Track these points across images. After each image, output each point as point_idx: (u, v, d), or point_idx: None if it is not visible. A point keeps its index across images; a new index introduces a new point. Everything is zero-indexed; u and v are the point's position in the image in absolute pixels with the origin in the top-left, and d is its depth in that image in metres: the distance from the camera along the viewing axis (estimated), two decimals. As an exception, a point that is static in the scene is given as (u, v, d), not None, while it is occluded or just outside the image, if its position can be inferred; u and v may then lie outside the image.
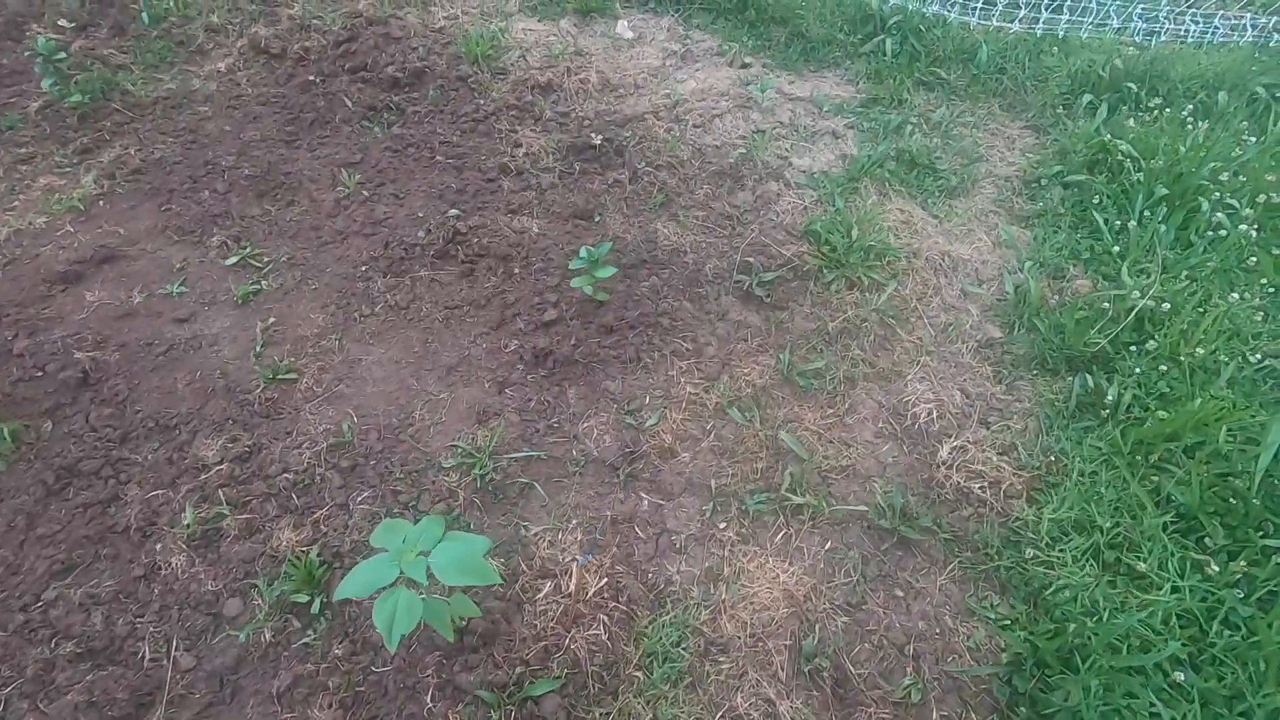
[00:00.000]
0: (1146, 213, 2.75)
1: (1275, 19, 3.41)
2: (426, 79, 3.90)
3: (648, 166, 3.35)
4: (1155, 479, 2.01)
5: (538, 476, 2.25)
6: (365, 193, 3.22)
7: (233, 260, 2.92)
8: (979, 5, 4.00)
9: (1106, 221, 2.81)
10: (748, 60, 3.99)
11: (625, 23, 4.31)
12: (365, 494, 2.18)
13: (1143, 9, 3.78)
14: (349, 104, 3.73)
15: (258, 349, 2.60)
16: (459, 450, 2.30)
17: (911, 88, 3.72)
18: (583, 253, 2.56)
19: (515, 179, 3.35)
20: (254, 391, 2.45)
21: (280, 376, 2.50)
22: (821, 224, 2.94)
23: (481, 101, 3.73)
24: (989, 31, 3.88)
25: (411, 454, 2.30)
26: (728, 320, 2.72)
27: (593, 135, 3.44)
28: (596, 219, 3.12)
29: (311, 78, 3.92)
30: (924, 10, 3.94)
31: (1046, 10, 3.86)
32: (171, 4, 4.33)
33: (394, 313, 2.76)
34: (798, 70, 3.94)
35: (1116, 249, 2.66)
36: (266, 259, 2.95)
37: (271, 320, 2.70)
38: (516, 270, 2.90)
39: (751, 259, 2.88)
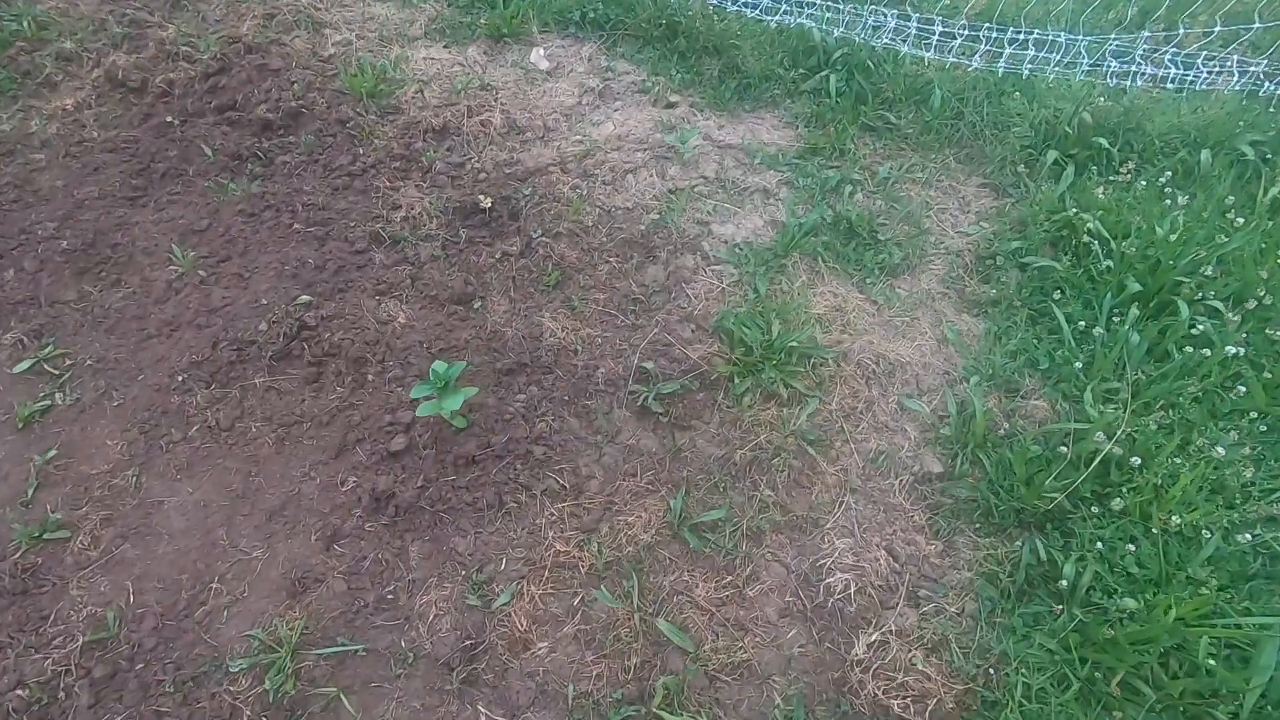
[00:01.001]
0: (1116, 315, 2.30)
1: (1266, 63, 2.96)
2: (303, 121, 3.36)
3: (545, 236, 2.84)
4: (1118, 714, 1.57)
5: (351, 683, 1.77)
6: (203, 271, 2.69)
7: (24, 366, 2.39)
8: (935, 36, 3.51)
9: (1070, 319, 2.35)
10: (674, 99, 3.48)
11: (541, 51, 3.78)
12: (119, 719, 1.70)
13: (1117, 45, 3.31)
14: (208, 152, 3.19)
15: (28, 494, 2.09)
16: (256, 643, 1.81)
17: (856, 134, 3.23)
18: (434, 371, 2.06)
19: (389, 250, 2.83)
20: (7, 559, 1.95)
21: (47, 535, 2.00)
22: (737, 318, 2.45)
23: (361, 151, 3.20)
24: (944, 69, 3.40)
25: (195, 650, 1.81)
26: (618, 444, 2.25)
27: (482, 197, 2.93)
28: (476, 305, 2.62)
29: (170, 119, 3.37)
30: (872, 44, 3.44)
31: (1010, 45, 3.37)
32: (22, 25, 3.75)
33: (212, 437, 2.25)
34: (731, 110, 3.44)
35: (1079, 363, 2.20)
36: (69, 362, 2.43)
37: (54, 452, 2.18)
38: (370, 377, 2.40)
39: (651, 363, 2.40)
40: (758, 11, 3.70)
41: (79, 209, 2.96)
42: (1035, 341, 2.34)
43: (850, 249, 2.76)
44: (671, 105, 3.47)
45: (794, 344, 2.36)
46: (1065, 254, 2.53)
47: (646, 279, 2.74)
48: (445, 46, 3.86)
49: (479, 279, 2.72)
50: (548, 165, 3.16)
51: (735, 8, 3.71)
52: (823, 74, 3.44)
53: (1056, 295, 2.41)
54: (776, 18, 3.64)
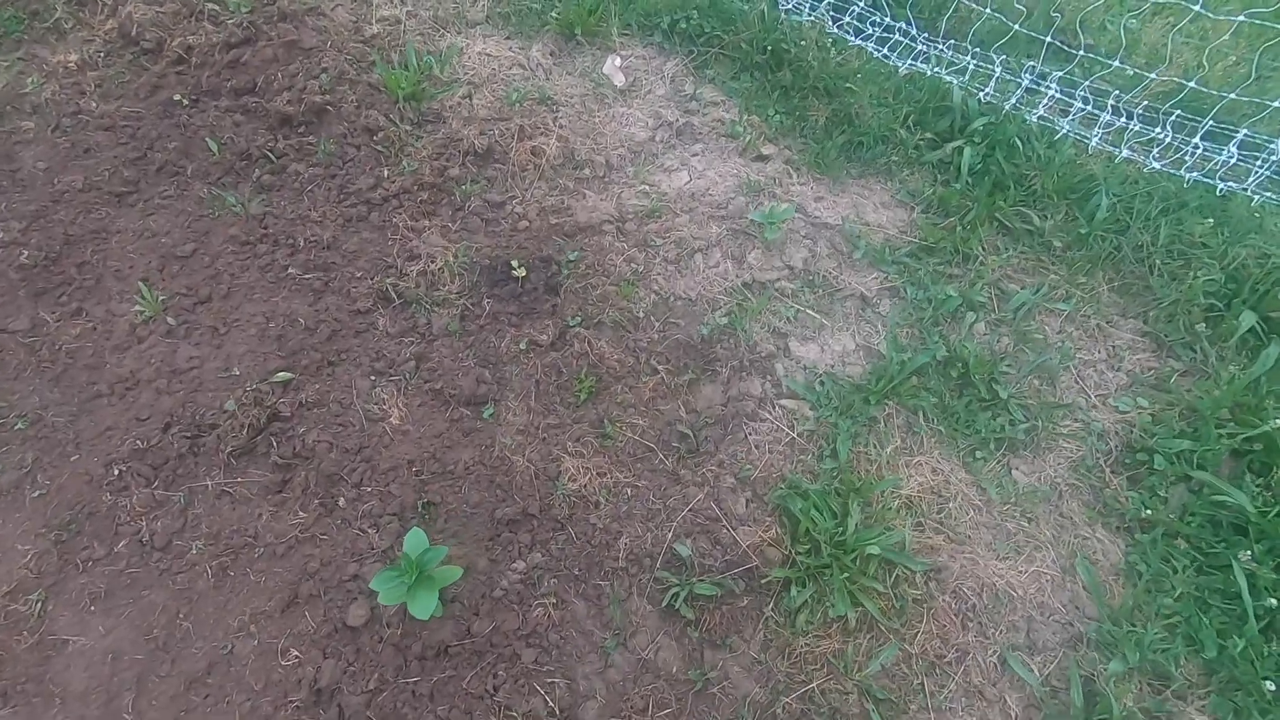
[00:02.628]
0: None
1: None
2: (326, 121, 2.81)
3: (584, 325, 2.29)
4: None
5: None
6: (173, 318, 2.22)
7: (-57, 420, 1.98)
8: (1106, 115, 2.75)
9: (1256, 587, 1.73)
10: (766, 149, 2.82)
11: (617, 61, 3.14)
12: None
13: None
14: (214, 147, 2.68)
15: (-96, 614, 1.70)
16: None
17: (986, 233, 2.57)
18: (406, 552, 1.57)
19: (396, 314, 2.32)
20: None
21: (-88, 682, 1.61)
22: (805, 499, 1.89)
23: (386, 172, 2.65)
24: (1112, 163, 2.67)
25: None
26: (630, 652, 1.75)
27: (516, 264, 2.37)
28: (488, 412, 2.11)
29: (179, 96, 2.86)
30: (1026, 116, 2.72)
31: (1204, 143, 2.61)
32: (37, -47, 3.24)
33: (142, 556, 1.82)
34: (834, 173, 2.78)
35: (1267, 670, 1.60)
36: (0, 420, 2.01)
37: (-53, 555, 1.78)
38: (342, 502, 1.92)
39: (689, 544, 1.87)
40: (885, 50, 2.98)
41: (55, 204, 2.50)
42: (1201, 609, 1.74)
43: (961, 405, 2.15)
44: (763, 158, 2.82)
45: (874, 547, 1.80)
46: (1257, 480, 1.89)
47: (700, 403, 2.18)
48: (507, 38, 3.24)
49: (496, 374, 2.19)
50: (602, 222, 2.58)
51: (858, 41, 3.00)
52: (955, 144, 2.75)
53: (1239, 544, 1.79)
54: (909, 62, 2.92)
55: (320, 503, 1.90)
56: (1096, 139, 2.69)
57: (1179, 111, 2.66)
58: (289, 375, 2.10)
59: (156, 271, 2.34)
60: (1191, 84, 2.56)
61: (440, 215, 2.58)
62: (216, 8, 3.14)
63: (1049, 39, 2.71)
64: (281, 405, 2.04)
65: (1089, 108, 2.77)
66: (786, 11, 3.04)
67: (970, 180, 2.69)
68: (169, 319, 2.20)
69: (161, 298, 2.22)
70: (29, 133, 2.72)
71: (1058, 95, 2.80)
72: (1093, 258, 2.50)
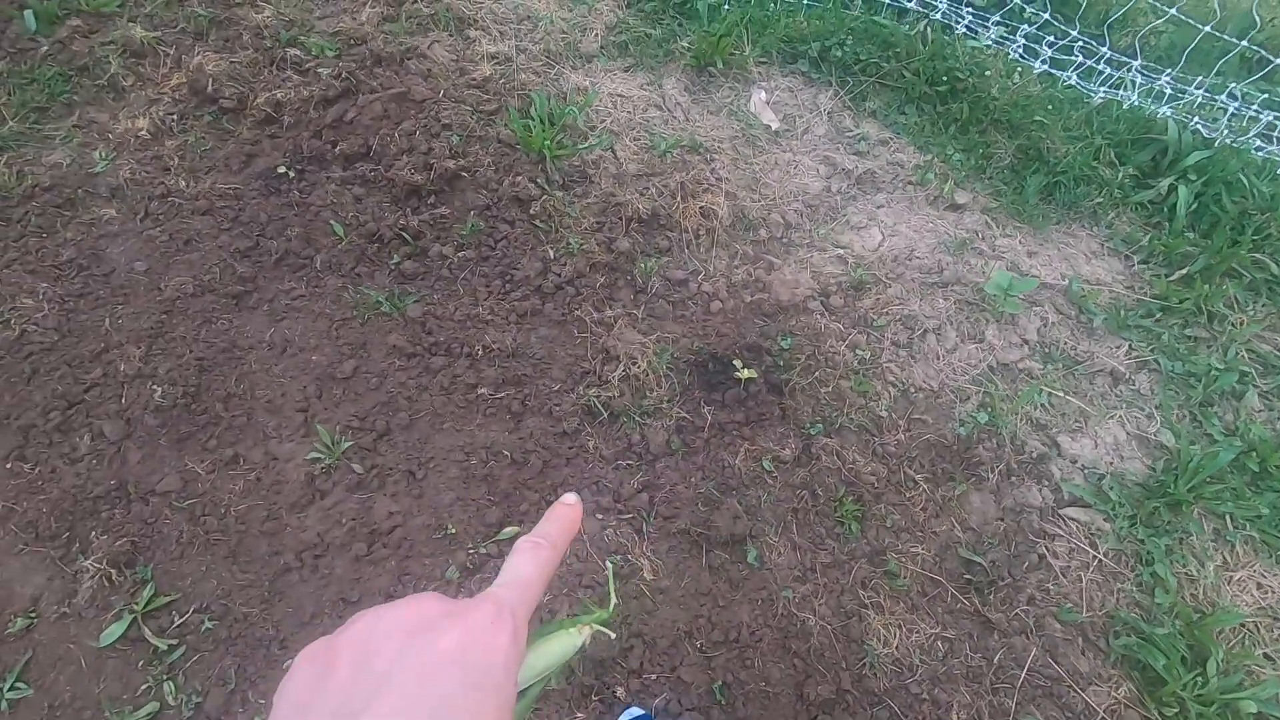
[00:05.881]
0: None
1: None
2: (460, 189, 2.40)
3: (826, 433, 1.97)
4: None
5: None
6: (359, 464, 1.83)
7: (115, 632, 1.58)
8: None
9: None
10: (960, 199, 2.51)
11: (763, 95, 2.76)
12: None
13: None
14: (338, 229, 2.27)
15: None
16: None
17: (1228, 288, 2.30)
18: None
19: (604, 433, 1.97)
20: None
21: None
22: (1154, 650, 1.63)
23: (551, 252, 2.26)
24: (1350, 199, 2.41)
25: None
26: None
27: (738, 364, 2.03)
28: (751, 555, 1.78)
29: (283, 167, 2.42)
30: (1250, 147, 2.44)
31: None
32: (74, -3, 2.73)
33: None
34: (1032, 219, 2.48)
35: None
36: (177, 619, 1.62)
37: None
38: (621, 693, 1.60)
39: (1036, 714, 1.59)
40: (1078, 76, 2.67)
41: (170, 316, 2.07)
42: None
43: (1265, 503, 1.90)
44: (956, 207, 2.50)
45: (1249, 703, 1.54)
46: None
47: (973, 518, 1.89)
48: (628, 71, 2.84)
49: (742, 501, 1.87)
50: (806, 298, 2.24)
51: (1044, 67, 2.67)
52: (1163, 183, 2.46)
53: None
54: (1104, 89, 2.61)
55: (599, 700, 1.57)
56: (1326, 172, 2.43)
57: None
58: (515, 529, 1.75)
59: (315, 398, 1.95)
60: None
61: (621, 300, 2.21)
62: (299, 54, 2.68)
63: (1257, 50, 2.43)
64: (516, 570, 1.69)
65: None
66: (961, 35, 2.70)
67: (1188, 224, 2.41)
68: (354, 465, 1.81)
69: (345, 443, 1.83)
70: (113, 223, 2.26)
71: (1271, 120, 2.52)
72: (1345, 310, 2.25)
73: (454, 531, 1.74)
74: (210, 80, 2.57)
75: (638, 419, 1.98)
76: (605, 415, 1.97)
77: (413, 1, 2.95)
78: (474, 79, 2.70)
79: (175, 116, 2.52)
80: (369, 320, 2.10)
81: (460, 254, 2.25)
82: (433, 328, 2.07)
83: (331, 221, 2.28)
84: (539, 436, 1.91)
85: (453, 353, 2.03)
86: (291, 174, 2.40)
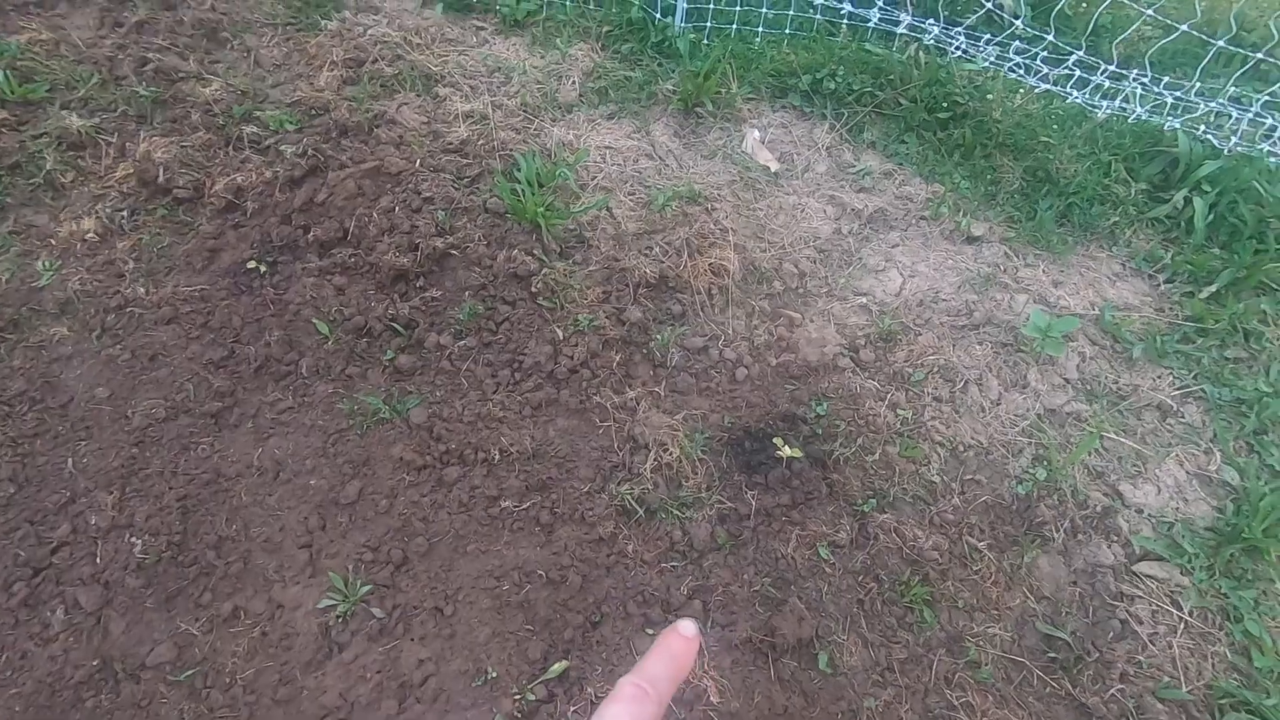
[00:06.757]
0: None
1: None
2: (451, 268, 2.21)
3: (880, 508, 1.83)
4: None
5: None
6: (380, 609, 1.63)
7: None
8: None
9: None
10: (976, 230, 2.40)
11: (757, 135, 2.63)
12: None
13: None
14: (323, 328, 2.06)
15: None
16: None
17: (1254, 304, 2.23)
18: None
19: (643, 532, 1.79)
20: None
21: None
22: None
23: (559, 332, 2.09)
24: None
25: None
26: None
27: (779, 441, 1.88)
28: (824, 661, 1.63)
29: (253, 260, 2.20)
30: (1263, 154, 2.38)
31: None
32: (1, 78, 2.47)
33: None
34: (1051, 245, 2.38)
35: None
36: (190, 824, 1.41)
37: None
38: (704, 845, 1.43)
39: (1152, 809, 1.47)
40: (1078, 91, 2.58)
41: (142, 448, 1.84)
42: None
43: (1339, 535, 1.81)
44: (974, 239, 2.40)
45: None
46: None
47: (1045, 585, 1.76)
48: (612, 119, 2.68)
49: (802, 594, 1.71)
50: (835, 355, 2.10)
51: (1045, 85, 2.58)
52: (1177, 196, 2.39)
53: None
54: (1107, 103, 2.53)
55: None
56: (1339, 173, 2.38)
57: None
58: (565, 664, 1.57)
59: (318, 530, 1.74)
60: None
61: (640, 377, 2.05)
62: (257, 130, 2.47)
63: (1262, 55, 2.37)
64: (569, 713, 1.51)
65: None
66: (955, 58, 2.60)
67: (1207, 239, 2.34)
68: (374, 610, 1.61)
69: (362, 588, 1.62)
70: (65, 344, 2.02)
71: (1273, 125, 2.47)
72: (1378, 315, 2.19)
73: (495, 675, 1.55)
74: (160, 168, 2.34)
75: (676, 513, 1.81)
76: (641, 512, 1.80)
77: (373, 61, 2.75)
78: (450, 143, 2.51)
79: (125, 213, 2.29)
80: (369, 430, 1.90)
81: (460, 342, 2.06)
82: (441, 433, 1.88)
83: (314, 319, 2.08)
84: (574, 548, 1.73)
85: (467, 460, 1.84)
86: (263, 268, 2.18)
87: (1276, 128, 2.46)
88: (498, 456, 1.84)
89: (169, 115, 2.51)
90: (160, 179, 2.33)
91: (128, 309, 2.09)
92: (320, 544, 1.71)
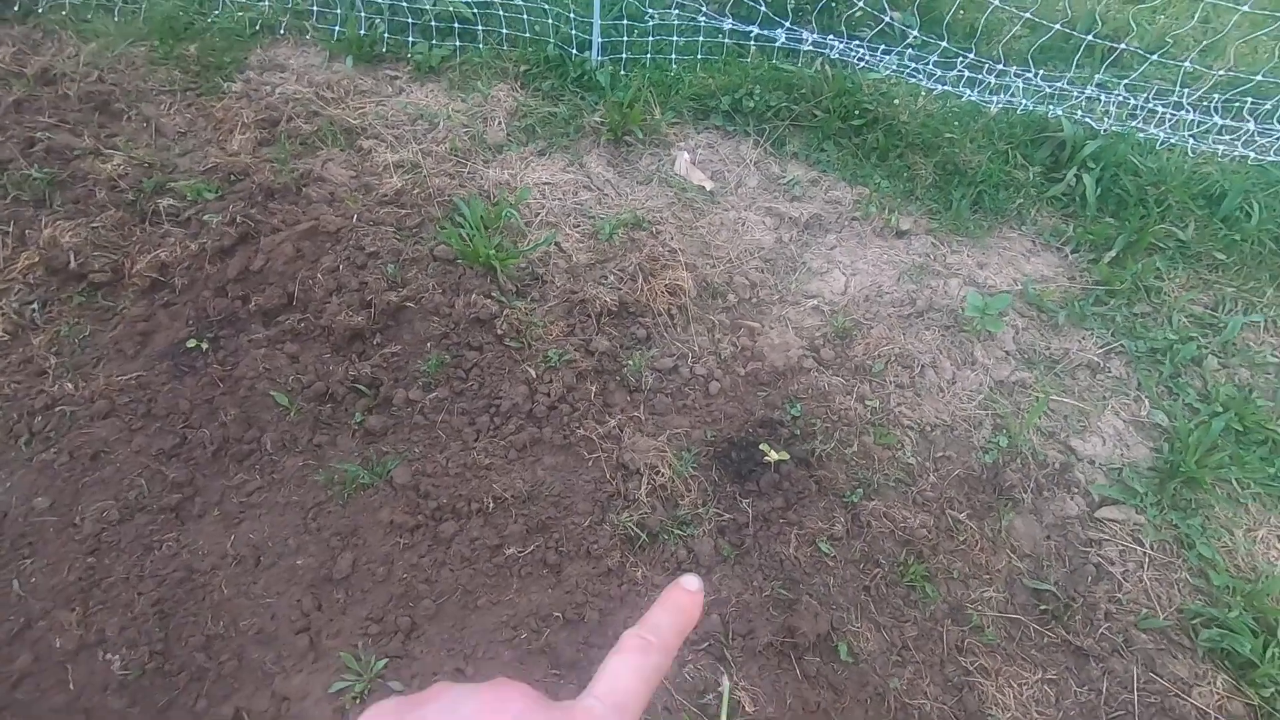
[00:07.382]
0: None
1: None
2: (407, 320, 2.17)
3: (868, 496, 1.92)
4: None
5: None
6: (397, 680, 1.56)
7: None
8: (1189, 115, 2.78)
9: None
10: (904, 225, 2.57)
11: (687, 157, 2.72)
12: None
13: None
14: (281, 399, 1.97)
15: None
16: None
17: (1149, 263, 2.49)
18: None
19: (646, 557, 1.80)
20: None
21: None
22: (1235, 635, 1.69)
23: (531, 371, 2.08)
24: (1222, 164, 2.70)
25: None
26: None
27: (765, 447, 1.94)
28: (844, 652, 1.68)
29: (191, 339, 2.08)
30: (1133, 131, 2.67)
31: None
32: None
33: None
34: (969, 231, 2.58)
35: None
36: None
37: None
38: None
39: (1156, 732, 1.60)
40: (969, 89, 2.82)
41: (99, 556, 1.69)
42: None
43: (1255, 456, 2.05)
44: (902, 234, 2.56)
45: (1324, 662, 1.63)
46: None
47: (1024, 543, 1.90)
48: (544, 155, 2.71)
49: (811, 591, 1.77)
50: (799, 359, 2.19)
51: (943, 87, 2.81)
52: (1069, 174, 2.65)
53: None
54: (998, 98, 2.78)
55: None
56: (1192, 143, 2.71)
57: (1250, 98, 2.74)
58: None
59: (314, 611, 1.65)
60: (1258, 76, 2.63)
61: (619, 404, 2.07)
62: (173, 202, 2.35)
63: (1133, 46, 2.68)
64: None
65: (1186, 112, 2.78)
66: (860, 68, 2.78)
67: (1098, 209, 2.61)
68: (391, 683, 1.54)
69: (378, 663, 1.55)
70: (-12, 457, 1.84)
71: (1122, 101, 2.79)
72: (1246, 262, 2.50)
73: (530, 727, 1.51)
74: (70, 253, 2.18)
75: (678, 532, 1.83)
76: (644, 537, 1.81)
77: (288, 120, 2.67)
78: (385, 194, 2.47)
79: (35, 305, 2.12)
80: (350, 498, 1.82)
81: (430, 395, 2.02)
82: (428, 489, 1.83)
83: (270, 391, 1.98)
84: (585, 584, 1.72)
85: (460, 513, 1.79)
86: (204, 345, 2.06)
87: (1139, 108, 2.78)
88: (492, 504, 1.80)
89: (70, 196, 2.34)
90: (71, 264, 2.17)
91: (56, 408, 1.92)
92: (319, 625, 1.63)
